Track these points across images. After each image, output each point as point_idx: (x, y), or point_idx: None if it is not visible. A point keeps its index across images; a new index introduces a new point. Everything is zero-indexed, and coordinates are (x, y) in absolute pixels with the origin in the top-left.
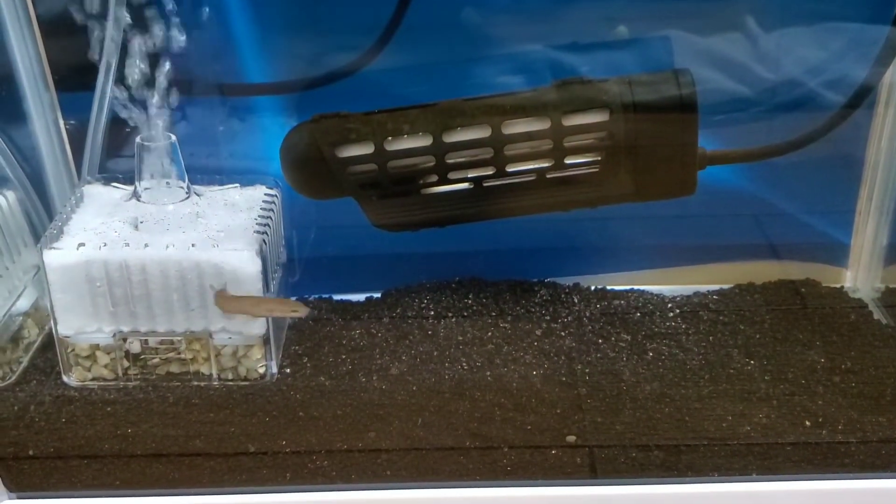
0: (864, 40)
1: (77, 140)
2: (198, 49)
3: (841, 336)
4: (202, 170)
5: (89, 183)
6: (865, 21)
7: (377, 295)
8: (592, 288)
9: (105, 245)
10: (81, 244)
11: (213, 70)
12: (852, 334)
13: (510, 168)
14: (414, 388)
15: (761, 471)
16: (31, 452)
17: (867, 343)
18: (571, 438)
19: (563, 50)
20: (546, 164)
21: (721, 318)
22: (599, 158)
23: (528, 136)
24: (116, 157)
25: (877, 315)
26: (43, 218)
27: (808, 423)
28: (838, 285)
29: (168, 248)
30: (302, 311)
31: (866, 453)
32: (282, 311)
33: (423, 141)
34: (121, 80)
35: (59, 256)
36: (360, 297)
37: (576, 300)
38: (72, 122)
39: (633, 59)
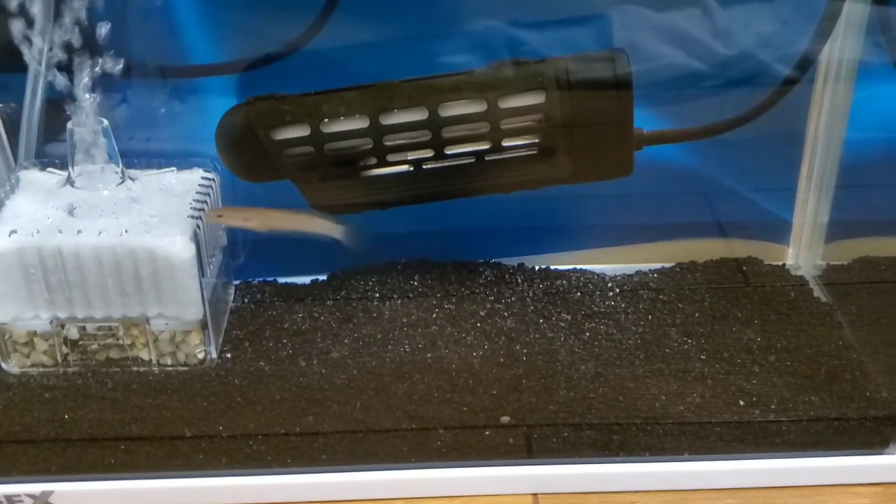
0: (803, 13)
1: (12, 124)
2: (135, 29)
3: (779, 314)
4: (142, 154)
5: (25, 168)
6: None
7: (323, 277)
8: (536, 268)
9: (38, 232)
10: (13, 231)
11: (152, 51)
12: (791, 312)
13: (449, 150)
14: (354, 372)
15: (694, 450)
16: None
17: (804, 321)
18: (506, 419)
19: (510, 26)
20: (484, 147)
21: (661, 297)
22: (536, 140)
23: (465, 119)
24: (55, 142)
25: (816, 293)
26: None
27: (741, 402)
28: (780, 263)
29: (101, 234)
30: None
31: (797, 432)
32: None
33: (360, 123)
34: (54, 63)
35: None
36: (306, 279)
37: (519, 280)
38: (11, 105)
39: (580, 34)
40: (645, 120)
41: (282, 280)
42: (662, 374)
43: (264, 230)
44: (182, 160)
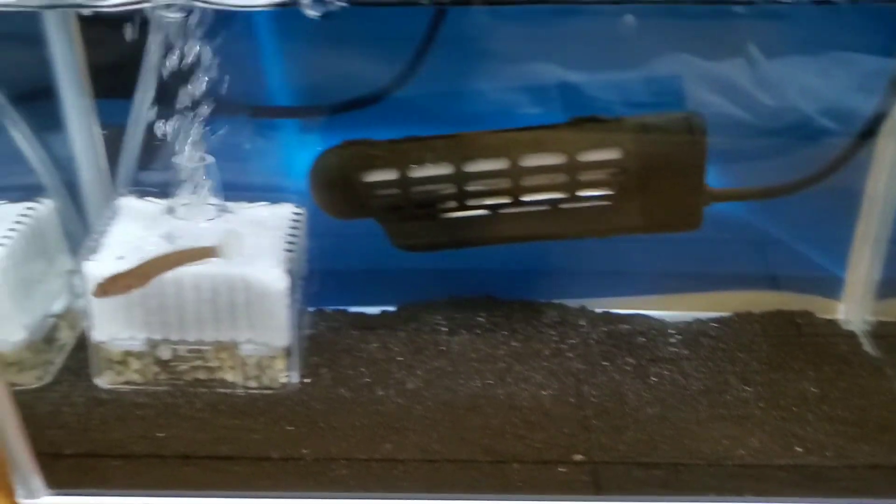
0: (871, 72)
1: (111, 148)
2: (231, 71)
3: (832, 366)
4: (231, 186)
5: (123, 195)
6: (874, 52)
7: (392, 308)
8: (598, 311)
9: (142, 258)
10: (121, 257)
11: (244, 92)
12: (842, 365)
13: (525, 197)
14: (429, 403)
15: (754, 492)
16: (66, 452)
17: (856, 374)
18: (578, 457)
19: (586, 77)
20: (559, 196)
21: (720, 345)
22: (610, 192)
23: (544, 170)
24: (146, 170)
25: (866, 347)
26: (78, 225)
27: (798, 448)
28: (832, 317)
29: (202, 263)
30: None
31: (850, 478)
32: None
33: (445, 169)
34: (159, 97)
35: (99, 267)
36: (376, 310)
37: (583, 322)
38: (105, 130)
39: (647, 91)
40: None
41: (351, 309)
42: (724, 419)
43: (146, 284)
44: (269, 195)
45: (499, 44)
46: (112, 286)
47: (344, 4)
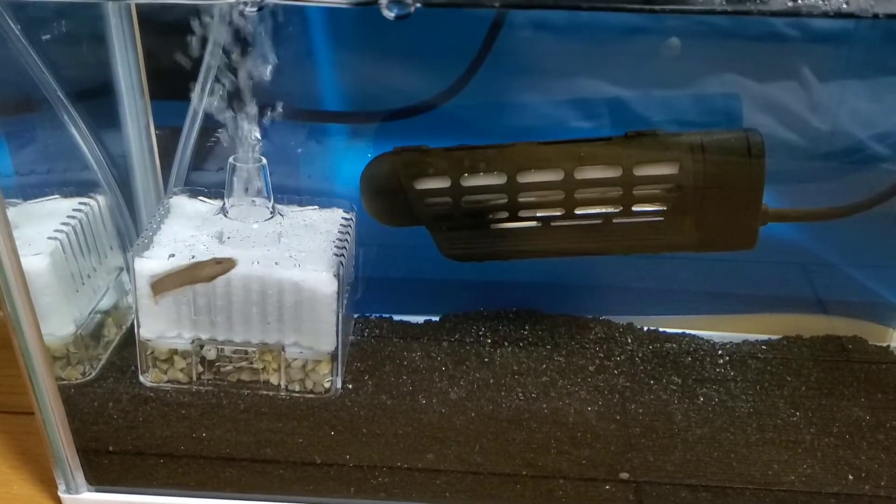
0: None
1: (164, 148)
2: (287, 75)
3: (885, 394)
4: (279, 189)
5: (175, 195)
6: None
7: (435, 318)
8: (645, 329)
9: (194, 257)
10: (172, 255)
11: (299, 96)
12: None
13: (578, 211)
14: (472, 415)
15: None
16: (109, 448)
17: None
18: (624, 475)
19: (638, 93)
20: (613, 210)
21: (769, 368)
22: (665, 208)
23: (599, 183)
24: (198, 170)
25: None
26: (128, 222)
27: (850, 476)
28: (884, 344)
29: (253, 264)
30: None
31: None
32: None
33: (498, 179)
34: (216, 97)
35: (150, 265)
36: (419, 318)
37: (629, 340)
38: (159, 130)
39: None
40: None
41: (396, 317)
42: (774, 444)
43: (194, 285)
44: (320, 198)
45: (553, 59)
46: (162, 285)
47: (419, 6)
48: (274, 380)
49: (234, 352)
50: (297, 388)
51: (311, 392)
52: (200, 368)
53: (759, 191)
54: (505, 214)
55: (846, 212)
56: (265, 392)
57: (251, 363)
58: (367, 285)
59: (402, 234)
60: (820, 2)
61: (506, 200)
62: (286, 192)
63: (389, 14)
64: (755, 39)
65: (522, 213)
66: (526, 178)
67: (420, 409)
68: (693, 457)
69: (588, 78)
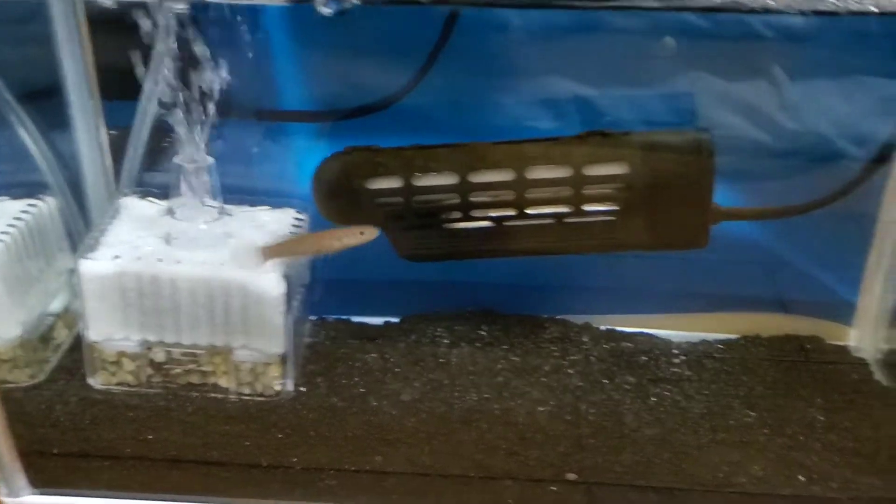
0: (888, 96)
1: (115, 149)
2: (239, 73)
3: (841, 395)
4: (232, 189)
5: (126, 195)
6: (890, 76)
7: (395, 320)
8: (602, 328)
9: (139, 259)
10: (117, 256)
11: (253, 94)
12: (852, 393)
13: (530, 210)
14: (423, 416)
15: None
16: (55, 451)
17: (865, 403)
18: (572, 476)
19: (594, 91)
20: (565, 210)
21: (725, 367)
22: (616, 208)
23: (550, 183)
24: (152, 171)
25: (878, 376)
26: (79, 224)
27: (801, 477)
28: (843, 343)
29: (199, 265)
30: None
31: None
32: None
33: (450, 179)
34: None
35: (95, 266)
36: (379, 320)
37: (585, 339)
38: (112, 131)
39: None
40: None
41: (355, 319)
42: (725, 444)
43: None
44: (273, 199)
45: (509, 55)
46: (276, 251)
47: (357, 2)
48: (224, 382)
49: (183, 354)
50: (248, 390)
51: (262, 395)
52: (150, 371)
53: (709, 189)
54: (458, 214)
55: (800, 210)
56: (215, 395)
57: (200, 366)
58: (326, 287)
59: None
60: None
61: (458, 200)
62: (240, 193)
63: (327, 11)
64: (722, 37)
65: (475, 213)
66: (478, 177)
67: (371, 410)
68: (643, 458)
69: (544, 76)
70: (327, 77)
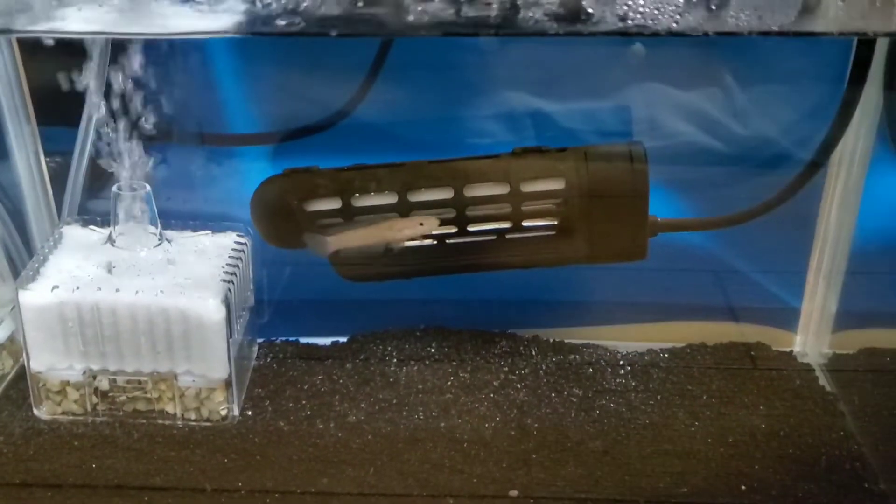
0: (823, 102)
1: (57, 177)
2: (179, 98)
3: (784, 401)
4: (177, 215)
5: (68, 224)
6: (825, 82)
7: (343, 339)
8: (551, 341)
9: (78, 288)
10: (56, 286)
11: (195, 118)
12: (795, 400)
13: (472, 227)
14: (369, 437)
15: None
16: None
17: (808, 409)
18: (514, 493)
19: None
20: (505, 226)
21: (671, 377)
22: (555, 223)
23: (489, 200)
24: (96, 199)
25: (822, 381)
26: (22, 253)
27: (743, 486)
28: (788, 349)
29: (137, 293)
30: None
31: None
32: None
33: (389, 199)
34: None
35: (34, 297)
36: (327, 340)
37: (534, 352)
38: (56, 159)
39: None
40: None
41: (304, 340)
42: (668, 455)
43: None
44: (216, 223)
45: (449, 72)
46: (340, 241)
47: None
48: (170, 409)
49: (128, 381)
50: (194, 416)
51: (208, 420)
52: (95, 399)
53: (645, 201)
54: None
55: (738, 219)
56: (162, 421)
57: (146, 393)
58: (274, 308)
59: (309, 256)
60: (650, 21)
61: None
62: (183, 218)
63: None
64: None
65: None
66: (417, 196)
67: (317, 433)
68: (586, 471)
69: (487, 92)
70: (269, 99)
